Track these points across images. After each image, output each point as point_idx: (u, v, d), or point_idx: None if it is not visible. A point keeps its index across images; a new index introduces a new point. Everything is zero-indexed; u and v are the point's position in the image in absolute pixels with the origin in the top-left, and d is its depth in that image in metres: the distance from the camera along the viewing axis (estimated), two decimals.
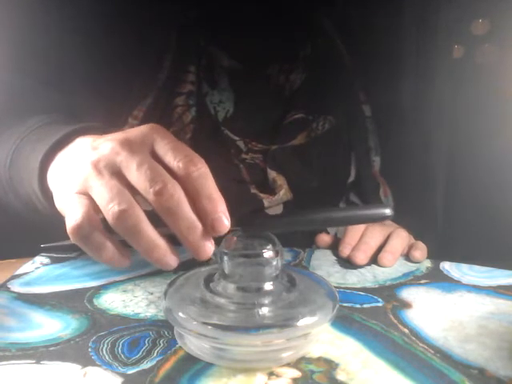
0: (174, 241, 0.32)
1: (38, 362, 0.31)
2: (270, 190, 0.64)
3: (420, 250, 0.51)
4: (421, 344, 0.33)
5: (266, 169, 0.64)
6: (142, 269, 0.47)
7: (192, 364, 0.31)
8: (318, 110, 0.67)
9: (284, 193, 0.63)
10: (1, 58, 0.57)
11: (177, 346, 0.33)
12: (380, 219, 0.34)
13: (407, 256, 0.52)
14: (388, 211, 0.33)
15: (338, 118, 0.67)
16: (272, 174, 0.63)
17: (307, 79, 0.67)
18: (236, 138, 0.64)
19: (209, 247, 0.32)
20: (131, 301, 0.40)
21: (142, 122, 0.62)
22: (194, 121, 0.63)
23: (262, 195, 0.63)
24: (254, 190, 0.63)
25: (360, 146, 0.69)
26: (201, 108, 0.64)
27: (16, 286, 0.43)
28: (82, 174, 0.33)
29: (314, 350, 0.32)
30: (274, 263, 0.33)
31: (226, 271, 0.33)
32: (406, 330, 0.35)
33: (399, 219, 0.51)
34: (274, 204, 0.63)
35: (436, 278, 0.45)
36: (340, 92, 0.68)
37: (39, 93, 0.56)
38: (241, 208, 0.60)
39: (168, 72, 0.63)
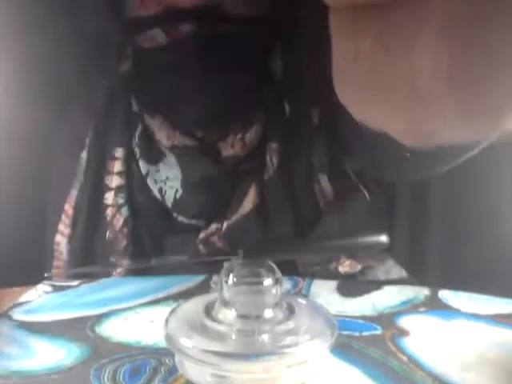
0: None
1: None
2: None
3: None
4: (419, 372, 0.33)
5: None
6: (142, 297, 0.48)
7: None
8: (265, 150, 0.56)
9: None
10: None
11: (178, 373, 0.33)
12: (377, 247, 0.35)
13: None
14: (384, 238, 0.34)
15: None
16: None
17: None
18: (193, 221, 0.54)
19: None
20: (132, 329, 0.41)
21: (73, 223, 0.54)
22: (128, 222, 0.53)
23: None
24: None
25: (299, 165, 0.57)
26: (140, 198, 0.54)
27: (18, 314, 0.43)
28: None
29: (313, 377, 0.33)
30: (274, 291, 0.34)
31: (227, 299, 0.34)
32: (405, 358, 0.35)
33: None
34: None
35: (434, 306, 0.46)
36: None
37: None
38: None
39: (90, 155, 0.54)
